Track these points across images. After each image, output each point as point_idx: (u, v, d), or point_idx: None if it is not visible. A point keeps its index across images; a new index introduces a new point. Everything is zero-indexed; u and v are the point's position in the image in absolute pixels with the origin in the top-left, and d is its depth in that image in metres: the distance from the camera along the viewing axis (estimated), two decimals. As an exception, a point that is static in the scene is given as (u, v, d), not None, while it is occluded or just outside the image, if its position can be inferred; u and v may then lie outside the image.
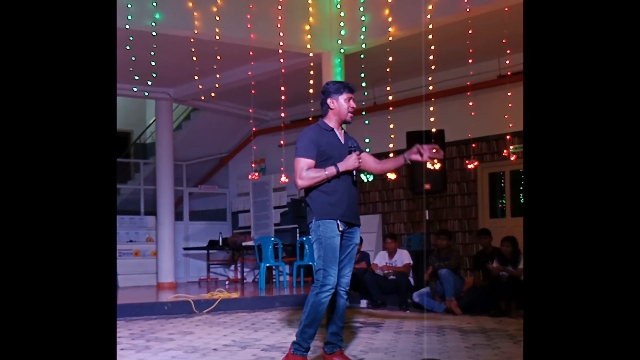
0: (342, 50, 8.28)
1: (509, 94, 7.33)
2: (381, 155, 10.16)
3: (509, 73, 7.95)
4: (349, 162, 3.49)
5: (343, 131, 3.69)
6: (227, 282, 10.67)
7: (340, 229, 3.47)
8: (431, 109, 7.82)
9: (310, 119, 9.02)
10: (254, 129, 10.45)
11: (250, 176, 9.83)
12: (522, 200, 9.26)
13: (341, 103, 3.56)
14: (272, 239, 9.48)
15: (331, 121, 3.60)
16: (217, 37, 7.46)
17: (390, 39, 7.60)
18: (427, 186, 8.01)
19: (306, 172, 3.47)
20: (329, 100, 3.57)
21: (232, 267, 11.51)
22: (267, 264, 9.06)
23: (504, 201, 9.44)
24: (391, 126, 8.34)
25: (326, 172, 3.46)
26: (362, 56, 7.93)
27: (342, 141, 3.61)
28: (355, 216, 3.63)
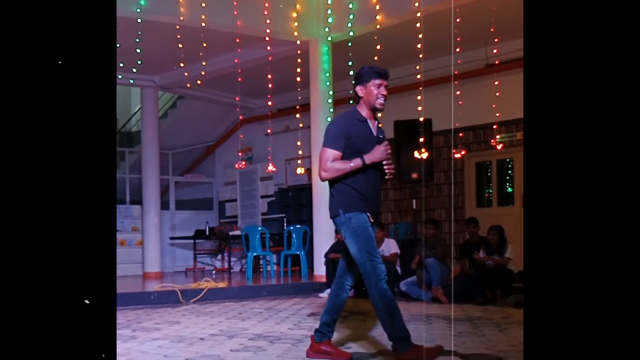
0: (329, 38, 8.22)
1: (496, 83, 7.34)
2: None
3: (496, 62, 7.95)
4: (376, 154, 3.32)
5: (376, 122, 3.51)
6: (214, 272, 10.64)
7: (371, 220, 3.36)
8: (419, 97, 7.81)
9: (298, 107, 8.98)
10: (240, 117, 10.38)
11: (237, 165, 9.78)
12: (508, 190, 9.31)
13: (370, 90, 3.39)
14: (260, 228, 9.45)
15: (363, 110, 3.42)
16: (203, 24, 7.37)
17: (378, 26, 7.55)
18: (414, 175, 8.03)
19: (331, 163, 3.30)
20: (358, 88, 3.41)
21: (219, 256, 11.47)
22: (254, 254, 9.03)
23: (490, 190, 9.48)
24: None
25: (352, 164, 3.29)
26: (349, 44, 7.88)
27: (375, 133, 3.45)
28: (379, 209, 3.56)
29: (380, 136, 3.46)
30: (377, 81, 3.39)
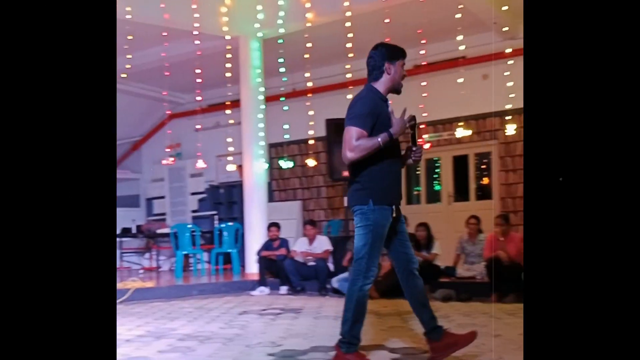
0: (260, 35, 8.15)
1: (424, 83, 7.52)
2: (300, 143, 10.28)
3: (424, 63, 8.15)
4: (401, 125, 3.02)
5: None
6: (141, 271, 10.30)
7: (394, 215, 3.10)
8: (349, 96, 7.88)
9: (228, 103, 8.86)
10: (168, 112, 10.11)
11: (164, 161, 9.52)
12: (436, 188, 9.59)
13: (398, 69, 3.14)
14: (189, 225, 9.25)
15: (381, 88, 3.13)
16: (129, 16, 7.10)
17: (308, 25, 7.56)
18: (345, 173, 8.09)
19: (357, 142, 2.95)
20: (386, 65, 3.11)
21: (147, 255, 11.14)
22: (184, 252, 8.83)
23: (419, 188, 9.73)
24: (310, 113, 8.34)
25: (379, 139, 2.96)
26: (280, 41, 7.85)
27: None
28: (400, 200, 3.25)
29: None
30: (403, 61, 3.19)
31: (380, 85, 3.14)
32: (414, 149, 3.17)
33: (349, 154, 2.98)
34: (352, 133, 2.97)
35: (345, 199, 8.39)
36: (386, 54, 3.14)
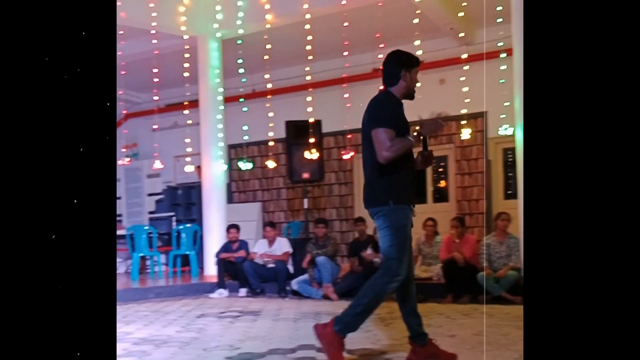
0: (218, 35, 8.09)
1: (382, 87, 7.58)
2: (260, 144, 10.23)
3: (382, 67, 8.23)
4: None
5: None
6: (96, 275, 10.03)
7: (414, 215, 3.17)
8: (309, 99, 7.91)
9: (186, 103, 8.75)
10: (124, 111, 9.90)
11: (120, 161, 9.31)
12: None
13: (414, 77, 3.24)
14: (146, 227, 9.08)
15: (397, 94, 3.22)
16: (84, 13, 6.93)
17: (268, 26, 7.55)
18: (305, 175, 8.13)
19: (392, 142, 3.01)
20: (403, 71, 3.20)
21: (102, 259, 10.85)
22: (141, 254, 8.67)
23: (377, 189, 9.82)
24: (270, 114, 8.32)
25: (411, 138, 3.07)
26: (239, 42, 7.81)
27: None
28: (416, 198, 3.32)
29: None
30: (417, 68, 3.27)
31: (396, 90, 3.24)
32: (425, 153, 3.23)
33: (386, 154, 3.02)
34: (384, 134, 3.04)
35: (306, 200, 8.45)
36: (403, 61, 3.24)
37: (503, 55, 6.82)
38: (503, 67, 6.71)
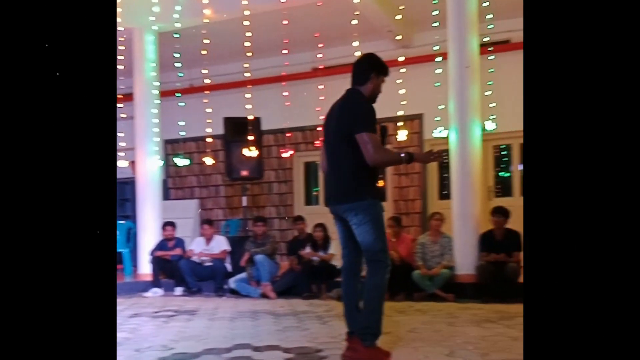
0: (155, 28, 7.89)
1: (321, 87, 7.64)
2: (198, 140, 10.07)
3: (321, 67, 8.29)
4: (427, 158, 3.32)
5: None
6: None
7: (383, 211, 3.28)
8: (248, 95, 7.85)
9: (120, 96, 8.47)
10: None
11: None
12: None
13: (380, 84, 3.34)
14: (77, 226, 8.74)
15: (365, 93, 3.28)
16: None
17: (206, 21, 7.44)
18: (244, 173, 8.06)
19: (384, 149, 3.17)
20: (374, 74, 3.28)
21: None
22: None
23: (317, 189, 9.89)
24: (208, 110, 8.20)
25: (403, 156, 3.21)
26: (176, 35, 7.65)
27: None
28: None
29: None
30: (384, 78, 3.37)
31: (364, 90, 3.30)
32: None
33: (377, 157, 3.11)
34: (372, 138, 3.10)
35: (244, 198, 8.39)
36: (376, 65, 3.32)
37: (439, 59, 7.01)
38: (438, 71, 6.90)
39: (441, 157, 3.39)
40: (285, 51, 7.77)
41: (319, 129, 8.36)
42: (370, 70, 3.31)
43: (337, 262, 6.98)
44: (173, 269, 7.22)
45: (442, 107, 6.82)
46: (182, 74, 8.55)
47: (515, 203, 7.98)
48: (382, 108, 3.40)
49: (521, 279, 5.83)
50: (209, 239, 7.48)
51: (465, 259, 6.14)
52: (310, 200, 9.92)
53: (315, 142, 8.60)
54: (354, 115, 3.18)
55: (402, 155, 3.22)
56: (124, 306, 6.06)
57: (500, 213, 6.13)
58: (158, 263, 7.28)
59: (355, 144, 3.13)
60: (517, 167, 8.49)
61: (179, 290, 7.17)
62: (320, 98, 7.15)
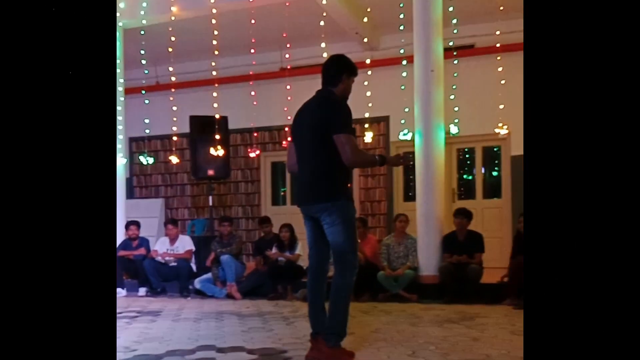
0: (120, 24, 7.77)
1: (288, 87, 7.65)
2: (163, 138, 9.95)
3: (288, 67, 8.28)
4: (397, 162, 3.49)
5: None
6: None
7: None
8: (215, 94, 7.80)
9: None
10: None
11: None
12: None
13: (351, 84, 3.39)
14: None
15: (337, 94, 3.33)
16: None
17: (172, 18, 7.37)
18: (210, 172, 8.01)
19: (361, 151, 3.23)
20: (345, 75, 3.34)
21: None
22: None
23: (284, 189, 9.89)
24: (174, 108, 8.12)
25: (377, 158, 3.32)
26: (142, 32, 7.55)
27: None
28: None
29: None
30: (354, 78, 3.43)
31: (336, 91, 3.35)
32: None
33: (356, 157, 3.18)
34: (350, 139, 3.15)
35: (210, 198, 8.32)
36: (346, 66, 3.38)
37: (404, 62, 7.10)
38: (404, 74, 6.99)
39: (409, 161, 3.49)
40: (252, 50, 7.74)
41: (287, 129, 8.40)
42: (341, 71, 3.35)
43: (304, 263, 7.01)
44: (137, 269, 7.13)
45: (407, 110, 6.91)
46: (147, 71, 8.43)
47: (477, 206, 8.17)
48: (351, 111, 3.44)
49: (482, 280, 5.97)
50: (173, 239, 7.41)
51: (428, 260, 6.24)
52: (277, 200, 9.91)
53: (283, 142, 8.60)
54: (332, 116, 3.20)
55: (377, 157, 3.33)
56: (85, 307, 5.95)
57: (463, 214, 6.25)
58: (121, 263, 7.16)
59: (332, 145, 3.16)
60: (480, 170, 8.66)
61: (142, 290, 7.08)
62: (288, 98, 7.18)
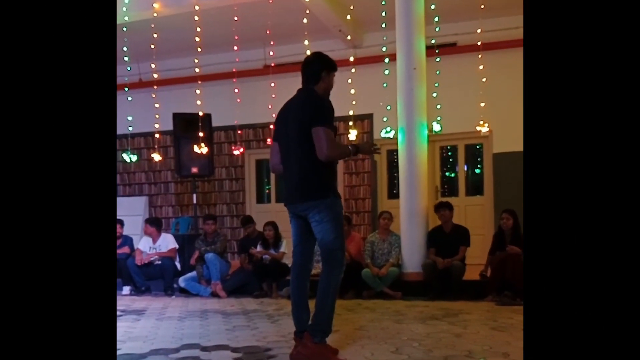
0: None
1: (272, 84, 7.64)
2: (146, 136, 9.88)
3: (272, 64, 8.27)
4: (369, 149, 3.48)
5: None
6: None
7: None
8: (198, 91, 7.76)
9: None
10: None
11: None
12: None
13: (332, 80, 3.43)
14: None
15: (319, 93, 3.36)
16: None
17: (155, 14, 7.31)
18: (194, 170, 7.98)
19: (333, 142, 3.18)
20: (324, 73, 3.37)
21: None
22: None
23: (269, 187, 9.88)
24: (157, 105, 8.07)
25: (350, 148, 3.37)
26: (124, 29, 7.49)
27: None
28: None
29: None
30: (334, 73, 3.46)
31: (318, 89, 3.38)
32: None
33: (330, 153, 3.16)
34: (327, 133, 3.16)
35: (195, 195, 8.28)
36: (325, 63, 3.40)
37: (387, 60, 7.12)
38: (387, 72, 7.02)
39: (379, 150, 3.58)
40: (236, 48, 7.71)
41: (271, 126, 8.37)
42: (320, 68, 3.39)
43: (288, 261, 7.02)
44: (120, 268, 7.08)
45: (389, 108, 6.93)
46: (130, 68, 8.36)
47: (460, 203, 8.24)
48: (333, 107, 3.46)
49: (465, 277, 6.04)
50: (155, 238, 7.35)
51: (412, 257, 6.28)
52: (262, 198, 9.90)
53: (267, 140, 8.59)
54: (312, 112, 3.24)
55: (350, 147, 3.40)
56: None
57: (445, 207, 6.30)
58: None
59: None
60: (463, 168, 8.74)
61: (126, 289, 7.04)
62: (272, 96, 7.18)
